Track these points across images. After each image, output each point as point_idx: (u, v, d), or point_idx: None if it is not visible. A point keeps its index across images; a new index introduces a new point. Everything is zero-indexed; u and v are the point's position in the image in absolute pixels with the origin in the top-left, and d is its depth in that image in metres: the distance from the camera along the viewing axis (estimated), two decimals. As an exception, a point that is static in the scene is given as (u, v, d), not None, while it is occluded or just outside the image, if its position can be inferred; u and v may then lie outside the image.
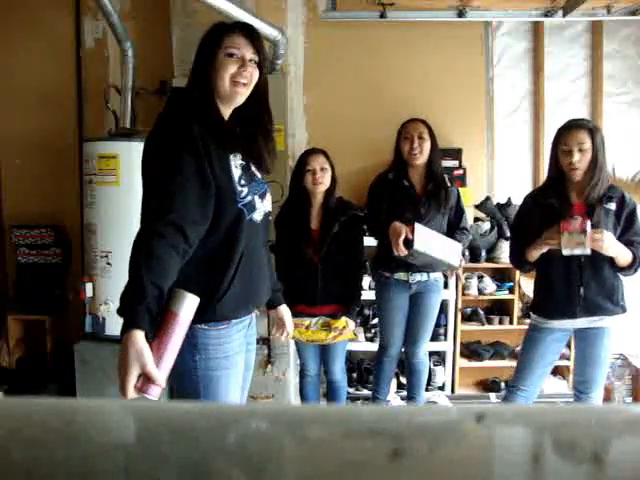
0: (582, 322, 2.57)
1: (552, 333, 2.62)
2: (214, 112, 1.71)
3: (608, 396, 3.90)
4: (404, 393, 3.92)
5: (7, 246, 4.18)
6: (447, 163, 4.02)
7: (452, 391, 4.05)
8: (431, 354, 4.07)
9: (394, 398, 3.80)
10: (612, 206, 2.52)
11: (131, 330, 1.41)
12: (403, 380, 3.97)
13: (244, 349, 1.84)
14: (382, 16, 3.96)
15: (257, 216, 1.74)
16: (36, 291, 3.97)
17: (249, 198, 1.70)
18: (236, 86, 1.69)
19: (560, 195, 2.54)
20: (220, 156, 1.66)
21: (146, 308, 1.44)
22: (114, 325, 3.48)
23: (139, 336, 1.41)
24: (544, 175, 4.27)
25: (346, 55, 4.03)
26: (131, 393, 1.40)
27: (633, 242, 2.51)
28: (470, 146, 4.12)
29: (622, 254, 2.47)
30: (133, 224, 3.47)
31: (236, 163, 1.69)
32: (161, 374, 1.44)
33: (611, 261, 2.50)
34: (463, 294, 3.97)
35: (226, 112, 1.75)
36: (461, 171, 4.03)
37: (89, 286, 3.44)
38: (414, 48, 4.09)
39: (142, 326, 1.42)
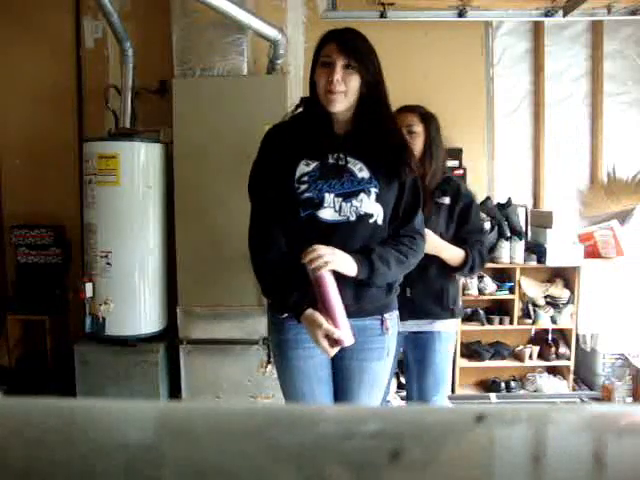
0: (411, 325, 2.35)
1: None
2: (309, 119, 1.83)
3: (608, 396, 3.90)
4: (404, 393, 3.92)
5: (7, 246, 4.18)
6: (447, 163, 4.02)
7: (452, 391, 4.04)
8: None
9: (394, 398, 3.80)
10: (445, 200, 2.32)
11: (299, 315, 1.72)
12: (403, 380, 3.97)
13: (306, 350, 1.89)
14: (382, 16, 3.96)
15: (326, 215, 1.76)
16: (36, 291, 3.96)
17: (308, 195, 1.76)
18: (329, 94, 1.74)
19: None
20: (288, 157, 1.80)
21: (293, 292, 1.74)
22: (114, 325, 3.49)
23: (307, 313, 1.71)
24: (545, 175, 4.30)
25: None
26: (331, 352, 1.71)
27: (467, 240, 2.31)
28: (470, 146, 4.12)
29: (451, 254, 2.27)
30: (133, 224, 3.50)
31: (308, 162, 1.79)
32: (338, 327, 1.68)
33: (440, 262, 2.29)
34: (463, 294, 3.97)
35: (341, 116, 1.80)
36: (461, 171, 4.03)
37: (89, 286, 3.44)
38: (414, 48, 4.09)
39: (302, 306, 1.72)
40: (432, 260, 2.24)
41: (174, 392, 3.67)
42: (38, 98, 4.09)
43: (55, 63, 4.11)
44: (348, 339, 1.69)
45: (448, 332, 2.45)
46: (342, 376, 1.93)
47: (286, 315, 1.85)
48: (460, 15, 3.98)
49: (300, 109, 1.90)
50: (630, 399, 3.93)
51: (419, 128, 2.31)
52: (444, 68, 4.11)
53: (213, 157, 3.46)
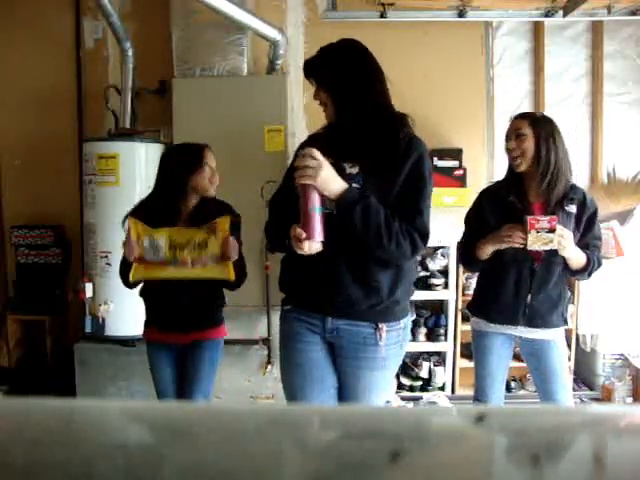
0: (522, 331, 2.46)
1: (498, 337, 2.52)
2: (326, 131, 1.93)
3: (608, 396, 3.90)
4: (404, 393, 3.92)
5: (7, 246, 4.18)
6: (447, 163, 4.02)
7: (452, 391, 4.04)
8: (431, 354, 4.07)
9: (394, 398, 3.80)
10: (573, 208, 2.38)
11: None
12: (403, 380, 3.97)
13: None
14: (382, 16, 3.96)
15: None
16: (36, 291, 3.96)
17: None
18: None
19: (518, 193, 2.40)
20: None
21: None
22: (114, 325, 3.49)
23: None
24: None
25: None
26: (300, 248, 1.72)
27: (589, 245, 2.40)
28: (470, 146, 4.12)
29: (578, 257, 2.35)
30: (133, 224, 3.49)
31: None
32: (310, 234, 1.70)
33: (564, 265, 2.37)
34: (463, 294, 3.96)
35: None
36: (461, 171, 4.03)
37: (89, 286, 3.44)
38: (414, 48, 4.09)
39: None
40: (559, 264, 2.36)
41: (174, 392, 3.67)
42: (38, 98, 4.09)
43: (55, 63, 4.11)
44: (314, 243, 1.71)
45: (561, 339, 2.52)
46: (340, 380, 1.93)
47: (289, 307, 1.91)
48: (460, 15, 3.98)
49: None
50: (630, 399, 3.93)
51: (527, 131, 2.38)
52: (444, 68, 4.11)
53: (213, 157, 3.46)
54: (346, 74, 1.83)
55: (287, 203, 1.81)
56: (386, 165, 1.79)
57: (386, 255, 1.77)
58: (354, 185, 1.75)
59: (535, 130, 2.38)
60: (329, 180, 1.69)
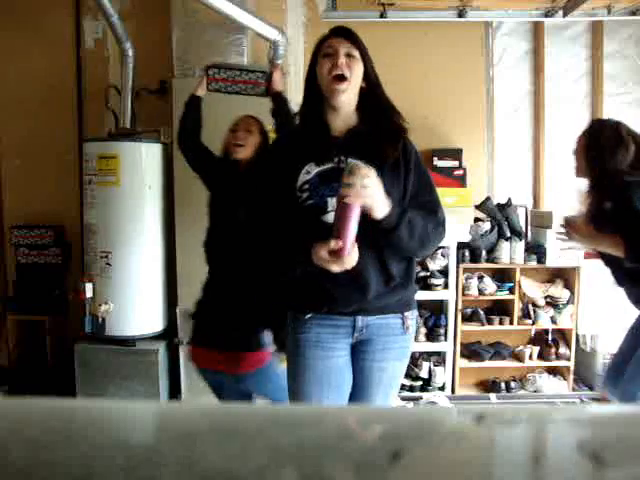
0: None
1: None
2: (307, 123, 1.83)
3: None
4: (404, 393, 3.92)
5: (7, 246, 4.18)
6: (447, 163, 4.02)
7: (452, 391, 4.04)
8: (431, 354, 4.08)
9: (395, 398, 3.80)
10: None
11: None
12: (403, 380, 3.97)
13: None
14: (382, 16, 3.97)
15: (332, 219, 1.71)
16: (36, 291, 3.96)
17: (311, 202, 1.75)
18: (333, 82, 1.73)
19: None
20: (290, 165, 1.78)
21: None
22: (114, 325, 3.49)
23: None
24: (545, 175, 4.30)
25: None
26: (333, 265, 1.65)
27: None
28: (470, 146, 4.12)
29: None
30: (133, 224, 3.50)
31: (308, 169, 1.77)
32: (344, 249, 1.63)
33: None
34: (463, 294, 3.97)
35: (338, 117, 1.80)
36: (461, 171, 4.03)
37: (89, 286, 3.43)
38: (414, 48, 4.09)
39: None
40: None
41: (174, 392, 3.67)
42: (38, 98, 4.09)
43: (55, 63, 4.11)
44: (350, 258, 1.63)
45: None
46: (361, 377, 1.89)
47: (310, 315, 1.82)
48: (460, 15, 3.99)
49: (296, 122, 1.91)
50: (630, 399, 3.92)
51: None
52: (444, 68, 4.11)
53: (213, 157, 3.46)
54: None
55: (273, 221, 1.79)
56: (395, 165, 1.78)
57: (424, 254, 1.83)
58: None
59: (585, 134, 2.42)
60: (381, 202, 1.64)
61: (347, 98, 1.76)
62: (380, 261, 1.79)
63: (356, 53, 1.75)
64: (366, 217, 1.65)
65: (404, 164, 1.79)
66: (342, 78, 1.72)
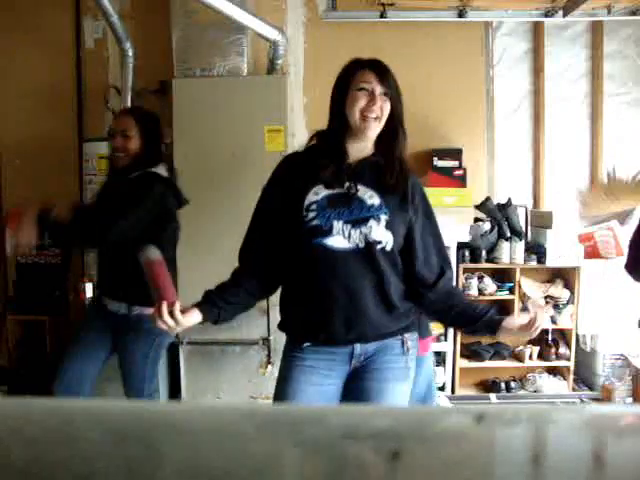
0: None
1: None
2: (322, 151, 1.83)
3: (608, 397, 3.90)
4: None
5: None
6: (447, 163, 4.02)
7: (452, 392, 4.04)
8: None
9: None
10: None
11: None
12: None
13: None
14: (382, 16, 3.96)
15: (336, 243, 1.74)
16: (36, 291, 3.96)
17: (316, 223, 1.75)
18: (365, 120, 1.76)
19: None
20: (299, 185, 1.79)
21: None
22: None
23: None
24: (545, 175, 4.29)
25: (346, 55, 3.98)
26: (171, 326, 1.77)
27: None
28: (470, 146, 4.12)
29: None
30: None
31: (317, 191, 1.78)
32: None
33: None
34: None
35: (356, 146, 1.82)
36: (461, 171, 4.03)
37: (89, 286, 3.44)
38: (414, 48, 4.09)
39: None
40: None
41: (174, 392, 3.67)
42: (38, 98, 4.09)
43: (55, 63, 4.11)
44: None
45: None
46: (362, 397, 1.83)
47: (308, 344, 1.82)
48: (460, 15, 3.98)
49: (313, 142, 1.91)
50: (630, 399, 3.93)
51: None
52: (444, 68, 4.11)
53: (213, 157, 3.46)
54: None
55: (263, 254, 1.84)
56: (403, 200, 1.81)
57: None
58: (382, 217, 1.76)
59: None
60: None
61: (375, 133, 1.80)
62: (381, 293, 1.80)
63: (389, 93, 1.79)
64: (368, 252, 1.74)
65: (411, 200, 1.82)
66: (376, 119, 1.77)
